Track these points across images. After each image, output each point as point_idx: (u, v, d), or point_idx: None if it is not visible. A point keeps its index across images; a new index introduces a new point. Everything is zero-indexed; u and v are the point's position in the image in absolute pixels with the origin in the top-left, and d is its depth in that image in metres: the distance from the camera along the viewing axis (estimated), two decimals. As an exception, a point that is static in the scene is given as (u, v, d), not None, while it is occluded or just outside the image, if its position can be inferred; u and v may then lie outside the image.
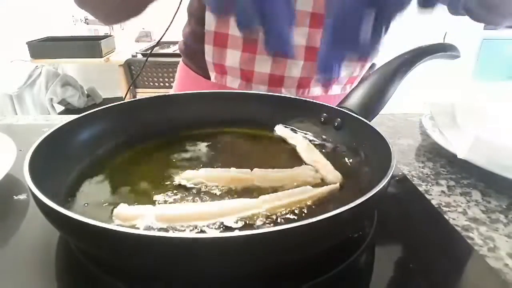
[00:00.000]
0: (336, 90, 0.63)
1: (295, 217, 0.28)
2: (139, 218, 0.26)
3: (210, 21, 0.56)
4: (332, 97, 0.63)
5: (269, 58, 0.56)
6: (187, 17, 0.65)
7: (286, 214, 0.28)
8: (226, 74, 0.60)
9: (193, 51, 0.64)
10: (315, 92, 0.61)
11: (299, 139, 0.41)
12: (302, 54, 0.56)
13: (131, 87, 2.22)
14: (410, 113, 0.63)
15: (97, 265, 0.25)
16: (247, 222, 0.27)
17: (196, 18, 0.61)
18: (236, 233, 0.19)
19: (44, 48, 2.18)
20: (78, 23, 2.60)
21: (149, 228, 0.26)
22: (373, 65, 0.67)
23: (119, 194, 0.31)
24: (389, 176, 0.26)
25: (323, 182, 0.34)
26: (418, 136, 0.53)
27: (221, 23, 0.55)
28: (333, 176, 0.34)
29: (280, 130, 0.44)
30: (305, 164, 0.37)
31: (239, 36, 0.55)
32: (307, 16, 0.53)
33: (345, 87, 0.64)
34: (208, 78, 0.61)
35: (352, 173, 0.35)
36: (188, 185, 0.32)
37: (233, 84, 0.60)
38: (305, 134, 0.43)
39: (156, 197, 0.30)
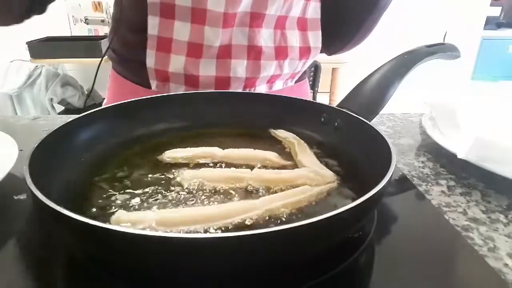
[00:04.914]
0: (279, 85, 0.64)
1: (295, 217, 0.28)
2: (138, 224, 0.26)
3: (153, 25, 0.53)
4: (275, 92, 0.63)
5: (213, 60, 0.55)
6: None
7: (286, 214, 0.28)
8: (169, 81, 0.57)
9: (126, 59, 0.61)
10: (261, 89, 0.62)
11: (294, 141, 0.41)
12: (245, 53, 0.56)
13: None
14: (410, 113, 0.63)
15: (97, 265, 0.25)
16: (248, 223, 0.27)
17: (128, 24, 0.58)
18: (236, 233, 0.19)
19: (44, 48, 2.17)
20: (78, 23, 2.59)
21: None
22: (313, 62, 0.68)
23: (119, 194, 0.31)
24: (389, 176, 0.26)
25: (322, 183, 0.34)
26: (418, 136, 0.53)
27: (164, 27, 0.53)
28: (327, 176, 0.34)
29: (277, 131, 0.44)
30: (298, 166, 0.37)
31: (184, 41, 0.53)
32: (246, 16, 0.54)
33: (287, 82, 0.65)
34: (148, 87, 0.58)
35: (352, 173, 0.35)
36: (188, 185, 0.32)
37: (177, 91, 0.56)
38: (305, 134, 0.43)
39: (156, 198, 0.30)
